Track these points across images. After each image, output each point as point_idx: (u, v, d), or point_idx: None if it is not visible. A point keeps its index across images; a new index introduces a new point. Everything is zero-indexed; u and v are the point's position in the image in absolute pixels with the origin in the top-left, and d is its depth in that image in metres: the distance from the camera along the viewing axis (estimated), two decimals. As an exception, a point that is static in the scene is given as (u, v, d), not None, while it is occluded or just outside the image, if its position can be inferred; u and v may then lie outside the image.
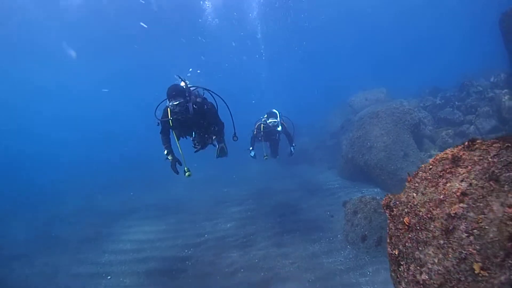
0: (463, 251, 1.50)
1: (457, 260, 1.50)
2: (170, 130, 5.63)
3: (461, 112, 10.83)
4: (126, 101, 34.80)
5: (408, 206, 1.90)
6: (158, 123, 5.57)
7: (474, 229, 1.52)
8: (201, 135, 5.79)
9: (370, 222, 6.22)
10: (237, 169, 14.28)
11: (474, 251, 1.46)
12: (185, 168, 5.50)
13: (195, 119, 5.46)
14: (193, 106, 5.39)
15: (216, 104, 5.88)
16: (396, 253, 1.85)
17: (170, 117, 5.37)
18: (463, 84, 12.31)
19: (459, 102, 11.53)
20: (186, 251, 7.32)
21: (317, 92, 29.35)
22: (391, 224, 1.97)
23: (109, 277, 6.75)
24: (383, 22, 30.96)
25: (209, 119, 5.66)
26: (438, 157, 2.05)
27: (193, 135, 5.71)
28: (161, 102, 5.54)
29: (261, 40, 28.06)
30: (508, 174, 1.67)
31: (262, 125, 8.76)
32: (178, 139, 5.69)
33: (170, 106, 5.24)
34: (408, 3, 27.92)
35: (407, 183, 2.09)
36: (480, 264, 1.42)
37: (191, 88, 5.59)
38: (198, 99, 5.56)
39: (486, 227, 1.50)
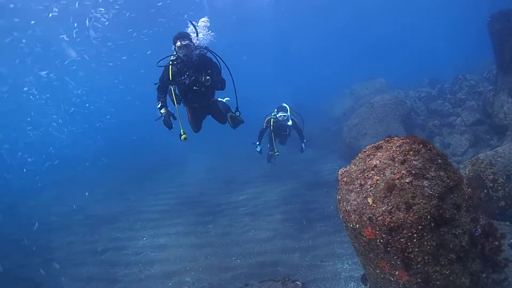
0: (366, 194, 2.95)
1: (363, 198, 2.96)
2: (169, 88, 5.69)
3: (451, 105, 12.02)
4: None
5: (349, 173, 3.35)
6: (157, 82, 5.63)
7: (373, 183, 2.97)
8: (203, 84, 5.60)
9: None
10: (245, 154, 15.56)
11: (371, 194, 2.91)
12: (181, 131, 5.48)
13: (198, 67, 5.50)
14: (197, 54, 5.50)
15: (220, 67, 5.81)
16: (339, 197, 3.31)
17: (173, 68, 5.42)
18: (457, 78, 13.43)
19: (450, 95, 12.72)
20: (206, 217, 8.93)
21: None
22: (340, 184, 3.42)
23: (144, 238, 8.33)
24: (385, 12, 31.49)
25: (211, 70, 5.61)
26: (370, 146, 3.48)
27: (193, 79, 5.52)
28: (166, 56, 5.63)
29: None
30: (400, 157, 3.09)
31: (272, 119, 8.94)
32: (177, 100, 5.71)
33: (176, 48, 5.33)
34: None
35: (352, 161, 3.53)
36: (372, 199, 2.88)
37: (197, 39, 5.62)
38: (201, 52, 5.60)
39: (379, 182, 2.94)
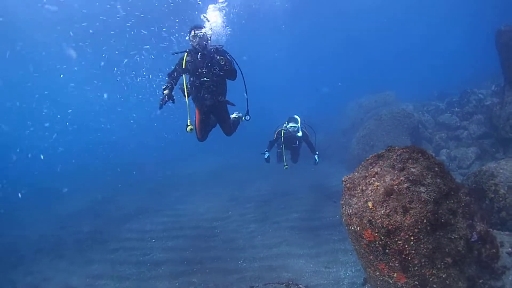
0: (367, 198, 3.15)
1: (363, 202, 3.15)
2: (180, 77, 5.80)
3: (459, 118, 12.11)
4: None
5: (352, 179, 3.54)
6: (169, 73, 5.80)
7: (374, 189, 3.16)
8: (215, 79, 5.78)
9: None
10: (252, 164, 15.80)
11: (371, 198, 3.11)
12: (188, 122, 5.56)
13: (210, 58, 5.67)
14: (212, 47, 5.71)
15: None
16: (342, 202, 3.50)
17: (187, 57, 5.63)
18: (465, 91, 13.53)
19: (458, 108, 12.81)
20: (214, 223, 9.15)
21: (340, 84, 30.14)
22: (343, 190, 3.61)
23: (153, 240, 8.57)
24: (396, 26, 31.77)
25: (226, 70, 5.76)
26: (373, 155, 3.67)
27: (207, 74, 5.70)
28: (182, 51, 5.83)
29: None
30: (399, 165, 3.29)
31: (282, 131, 8.81)
32: (188, 92, 5.75)
33: (190, 38, 5.57)
34: (422, 9, 28.76)
35: (356, 168, 3.73)
36: (371, 203, 3.07)
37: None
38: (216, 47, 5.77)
39: (379, 188, 3.13)
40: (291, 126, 8.59)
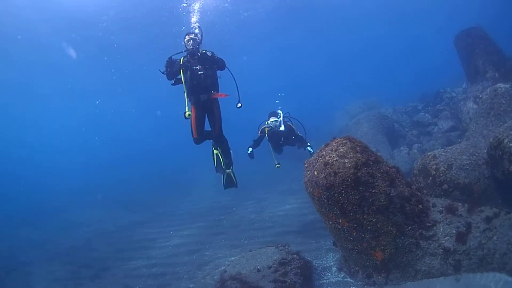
0: (314, 169, 4.89)
1: (312, 172, 4.90)
2: (178, 74, 6.64)
3: (431, 115, 13.76)
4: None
5: (308, 161, 5.30)
6: (164, 71, 6.63)
7: (319, 164, 4.91)
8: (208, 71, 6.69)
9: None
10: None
11: (316, 169, 4.85)
12: (186, 108, 6.38)
13: (202, 55, 6.61)
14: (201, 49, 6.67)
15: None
16: (304, 176, 5.24)
17: (184, 58, 6.66)
18: (439, 91, 15.17)
19: (432, 107, 14.48)
20: (221, 216, 10.92)
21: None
22: (304, 169, 5.35)
23: (171, 231, 10.34)
24: (377, 33, 33.49)
25: (216, 60, 6.70)
26: (323, 145, 5.41)
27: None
28: (180, 52, 6.76)
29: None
30: (334, 148, 5.03)
31: (266, 128, 8.42)
32: (185, 81, 6.59)
33: (185, 42, 6.62)
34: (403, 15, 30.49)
35: (313, 155, 5.47)
36: (316, 172, 4.81)
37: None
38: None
39: (321, 162, 4.88)
40: (272, 121, 8.25)
